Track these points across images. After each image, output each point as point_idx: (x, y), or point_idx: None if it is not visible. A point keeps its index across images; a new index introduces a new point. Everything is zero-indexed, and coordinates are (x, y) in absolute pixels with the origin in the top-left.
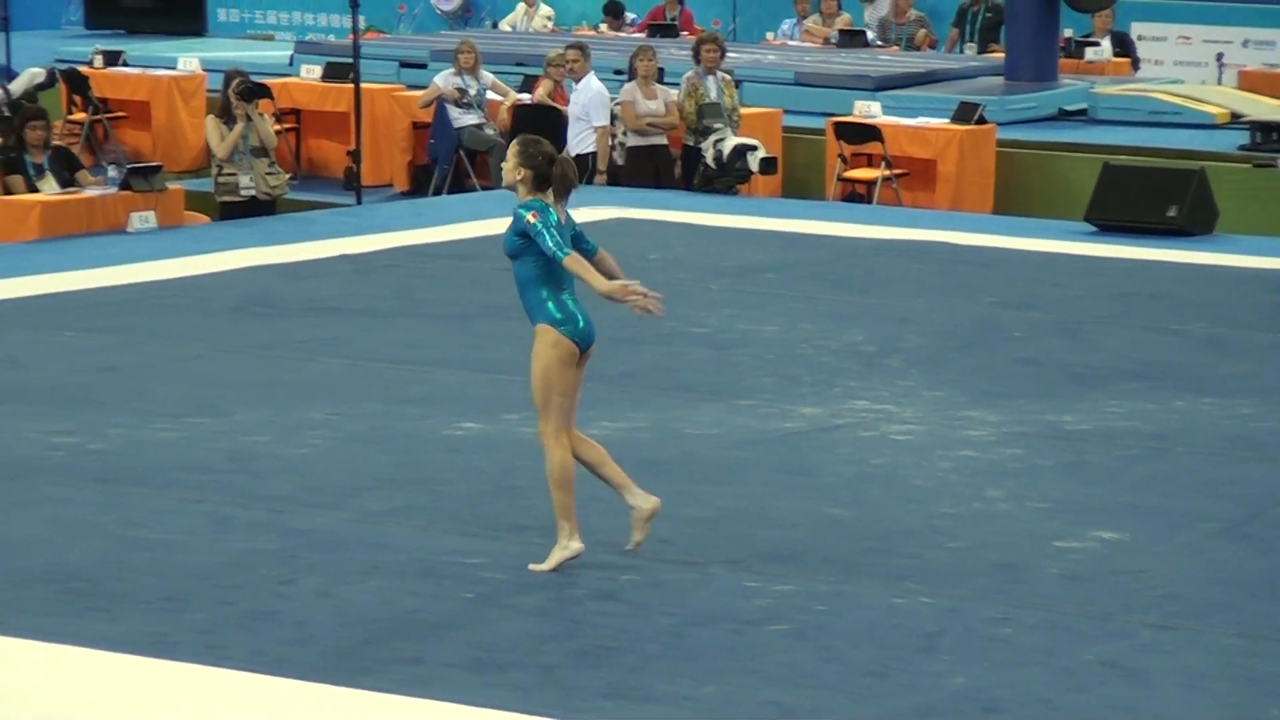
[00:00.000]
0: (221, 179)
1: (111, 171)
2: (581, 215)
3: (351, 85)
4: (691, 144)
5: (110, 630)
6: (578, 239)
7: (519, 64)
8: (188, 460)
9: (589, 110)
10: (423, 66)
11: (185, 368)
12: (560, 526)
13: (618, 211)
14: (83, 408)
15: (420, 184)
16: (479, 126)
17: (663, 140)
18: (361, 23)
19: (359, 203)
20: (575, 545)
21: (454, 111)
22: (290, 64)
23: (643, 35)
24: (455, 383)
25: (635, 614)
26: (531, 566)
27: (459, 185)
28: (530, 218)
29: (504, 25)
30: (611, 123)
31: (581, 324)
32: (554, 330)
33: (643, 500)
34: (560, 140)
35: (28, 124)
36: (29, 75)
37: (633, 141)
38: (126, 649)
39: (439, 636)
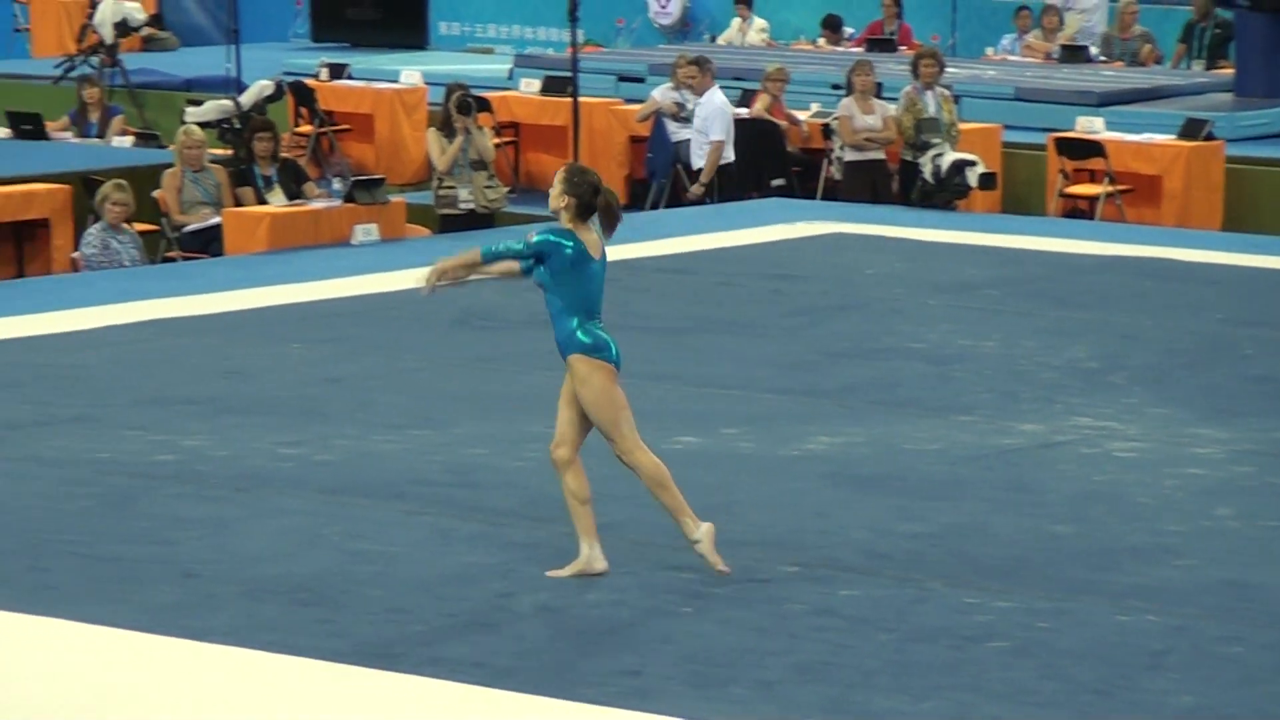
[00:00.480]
0: (441, 192)
1: (336, 184)
2: (797, 230)
3: (570, 99)
4: (909, 159)
5: (335, 641)
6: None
7: (736, 78)
8: (409, 472)
9: (709, 124)
10: (640, 80)
11: (407, 380)
12: (682, 523)
13: (834, 226)
14: (309, 419)
15: (637, 198)
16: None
17: (880, 155)
18: (580, 37)
19: None
20: (702, 528)
21: (672, 126)
22: (509, 77)
23: (860, 50)
24: (672, 397)
25: (854, 629)
26: (720, 570)
27: (675, 199)
28: (530, 235)
29: (721, 40)
30: (828, 137)
31: (614, 350)
32: (593, 358)
33: (596, 559)
34: (778, 155)
35: (256, 136)
36: (258, 88)
37: (850, 156)
38: (351, 660)
39: (657, 650)
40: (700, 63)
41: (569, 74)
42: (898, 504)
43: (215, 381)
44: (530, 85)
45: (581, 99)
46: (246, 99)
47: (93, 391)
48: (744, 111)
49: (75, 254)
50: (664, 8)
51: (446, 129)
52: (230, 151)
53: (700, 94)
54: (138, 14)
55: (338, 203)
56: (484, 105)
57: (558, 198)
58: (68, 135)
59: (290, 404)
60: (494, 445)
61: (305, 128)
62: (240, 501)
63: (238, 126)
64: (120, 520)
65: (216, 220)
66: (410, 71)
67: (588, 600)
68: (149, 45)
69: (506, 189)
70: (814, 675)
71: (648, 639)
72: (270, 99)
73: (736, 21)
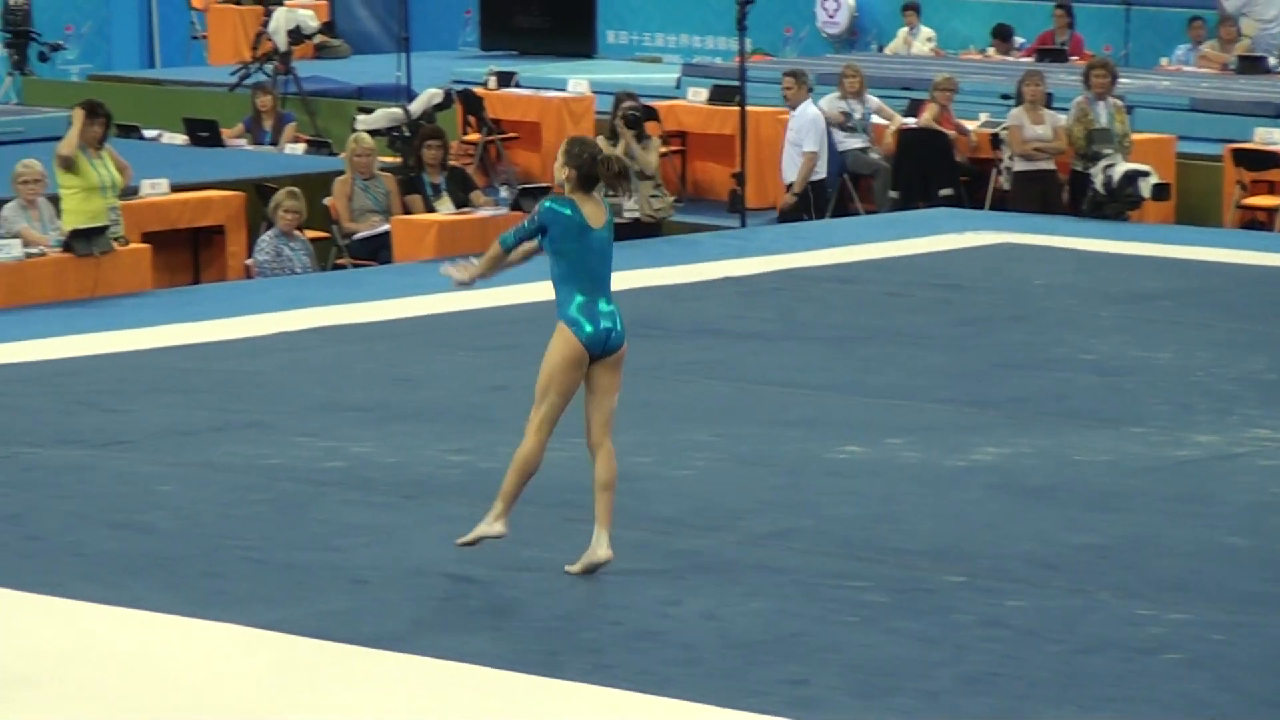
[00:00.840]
0: (608, 200)
1: (503, 192)
2: (966, 240)
3: (737, 108)
4: (1080, 169)
5: (502, 648)
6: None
7: (904, 88)
8: (574, 480)
9: (802, 136)
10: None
11: None
12: (495, 505)
13: (1004, 237)
14: (476, 426)
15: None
16: (863, 150)
17: (1050, 166)
18: (748, 45)
19: (743, 225)
20: (498, 528)
21: (838, 135)
22: (677, 86)
23: (1031, 60)
24: (839, 406)
25: (1022, 640)
26: (457, 542)
27: (842, 209)
28: (533, 209)
29: (888, 50)
30: (997, 147)
31: (590, 330)
32: (568, 329)
33: (601, 548)
34: (946, 165)
35: (425, 144)
36: (427, 96)
37: (1019, 166)
38: (517, 667)
39: (823, 659)
40: (796, 75)
41: (736, 83)
42: (1068, 515)
43: (384, 388)
44: (698, 94)
45: (749, 108)
46: (416, 107)
47: (265, 398)
48: (911, 121)
49: (249, 261)
50: (832, 17)
51: (613, 138)
52: (399, 159)
53: (795, 106)
54: (311, 21)
55: (505, 211)
56: (651, 114)
57: (559, 169)
58: (242, 142)
59: (457, 411)
60: (658, 453)
61: (473, 136)
62: (408, 508)
63: (407, 134)
64: (291, 526)
65: (385, 228)
66: (578, 80)
67: (753, 609)
68: (321, 53)
69: (672, 198)
70: (981, 686)
71: (814, 648)
72: (439, 107)
73: (903, 31)
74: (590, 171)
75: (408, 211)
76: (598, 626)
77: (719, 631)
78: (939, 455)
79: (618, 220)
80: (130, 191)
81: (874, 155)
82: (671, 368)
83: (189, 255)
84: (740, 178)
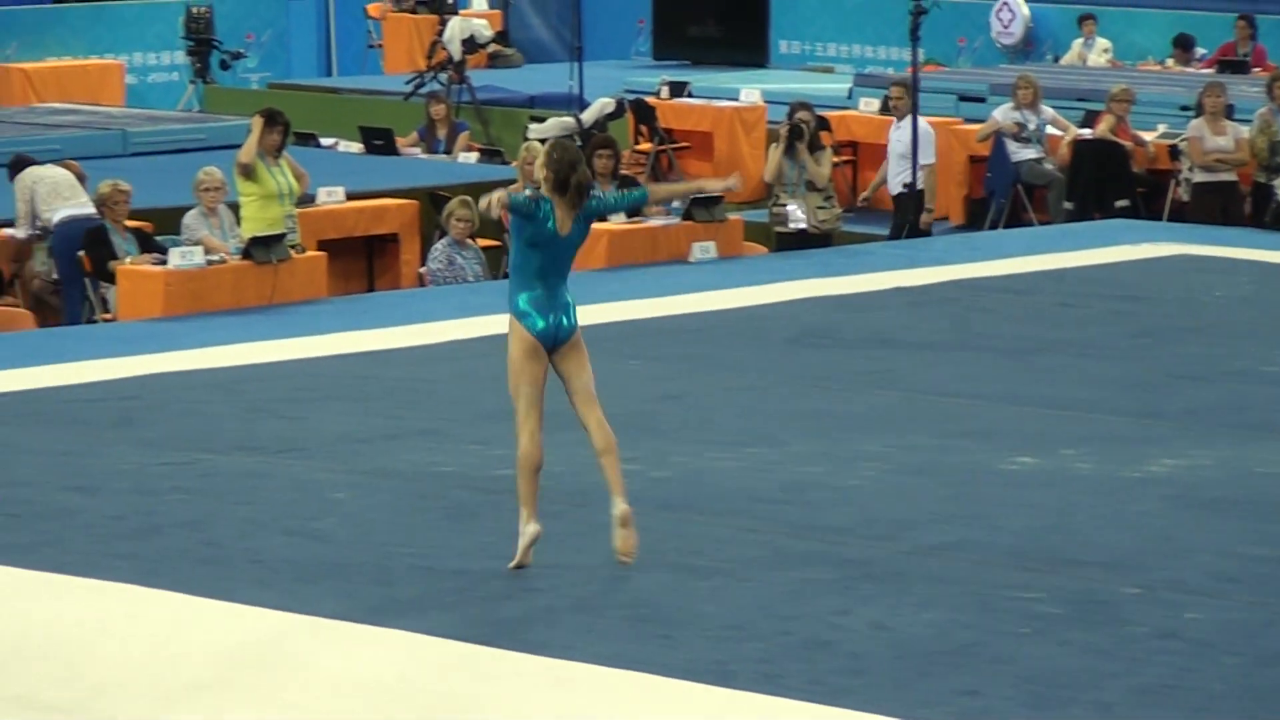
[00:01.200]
0: (774, 209)
1: (675, 202)
2: (1142, 251)
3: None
4: (1263, 181)
5: (671, 656)
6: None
7: (1080, 99)
8: (744, 489)
9: (911, 148)
10: (981, 100)
11: (742, 397)
12: (520, 512)
13: (1181, 248)
14: (646, 436)
15: (976, 218)
16: (1038, 161)
17: (1231, 177)
18: (921, 56)
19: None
20: (531, 529)
21: (1012, 146)
22: (849, 96)
23: (1210, 71)
24: (1011, 417)
25: (1198, 653)
26: (509, 567)
27: (1015, 220)
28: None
29: (1064, 60)
30: (1175, 158)
31: (540, 324)
32: (517, 322)
33: (618, 507)
34: (1123, 176)
35: (597, 153)
36: (599, 105)
37: (1199, 178)
38: (687, 676)
39: (996, 671)
40: (905, 84)
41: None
42: (1248, 527)
43: (553, 397)
44: (869, 104)
45: (922, 118)
46: (588, 116)
47: (438, 405)
48: (1087, 132)
49: (422, 269)
50: (1006, 27)
51: (789, 148)
52: None
53: (902, 117)
54: (485, 31)
55: (676, 220)
56: (823, 124)
57: (539, 169)
58: (416, 151)
59: (628, 420)
60: (829, 463)
61: (645, 145)
62: (578, 517)
63: (579, 143)
64: (463, 534)
65: None
66: (750, 90)
67: (924, 619)
68: (495, 62)
69: (841, 210)
70: (1156, 698)
71: (986, 659)
72: (611, 116)
73: (1078, 42)
74: (565, 178)
75: None
76: (767, 636)
77: (890, 642)
78: (1114, 466)
79: (784, 230)
80: (307, 199)
81: (1048, 166)
82: (842, 378)
83: (364, 263)
84: (911, 188)
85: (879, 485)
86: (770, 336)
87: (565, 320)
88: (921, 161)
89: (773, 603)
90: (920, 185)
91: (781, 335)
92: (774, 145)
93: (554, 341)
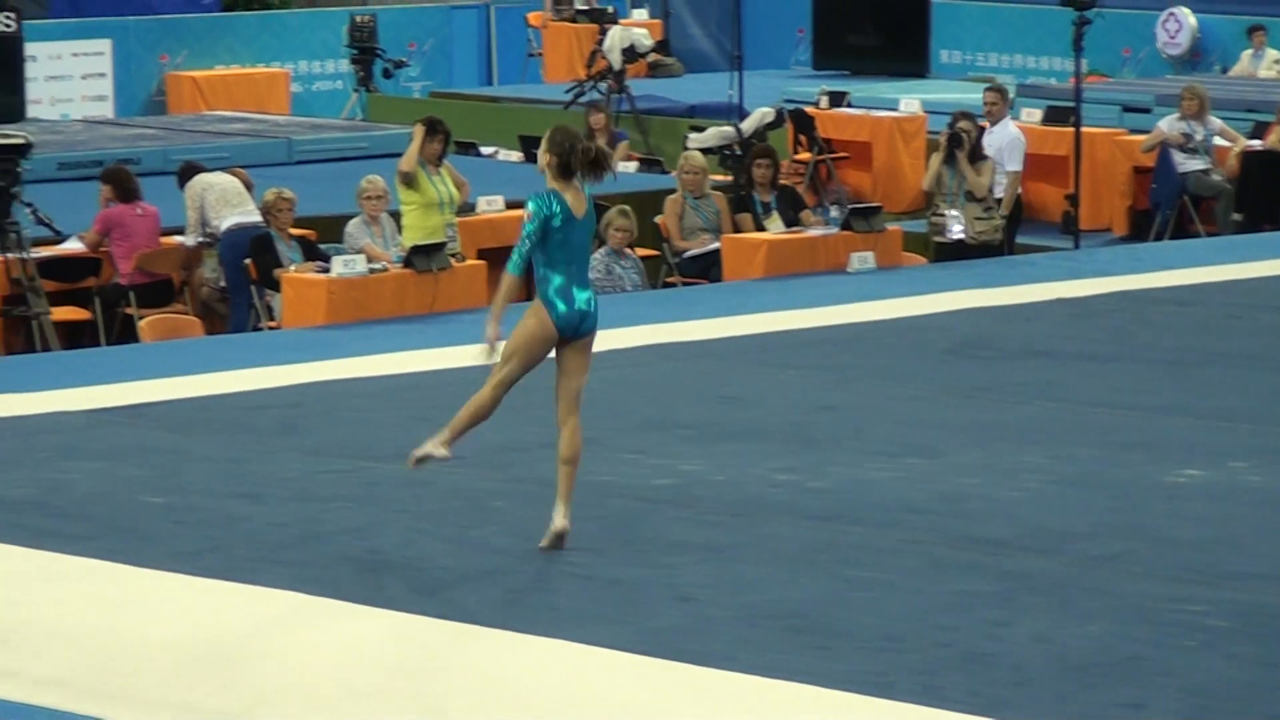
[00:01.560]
0: (933, 219)
1: (834, 211)
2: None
3: (1071, 129)
4: None
5: (830, 667)
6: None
7: (1249, 110)
8: (903, 500)
9: (1003, 154)
10: (1146, 111)
11: (901, 408)
12: (443, 431)
13: None
14: (803, 446)
15: (1140, 229)
16: (1205, 172)
17: None
18: (1084, 66)
19: (1076, 247)
20: (443, 451)
21: (1178, 157)
22: (1011, 107)
23: None
24: (1176, 429)
25: None
26: (408, 463)
27: (1181, 231)
28: (525, 216)
29: (1232, 72)
30: None
31: (564, 310)
32: (543, 308)
33: (559, 519)
34: None
35: (756, 162)
36: (759, 114)
37: None
38: (846, 687)
39: (1160, 684)
40: (1001, 90)
41: (1071, 104)
42: None
43: (712, 406)
44: (1031, 115)
45: (1084, 129)
46: (748, 126)
47: (596, 414)
48: (1256, 143)
49: None
50: (1173, 38)
51: (949, 157)
52: (730, 178)
53: (995, 123)
54: (645, 40)
55: (835, 230)
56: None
57: (541, 156)
58: None
59: (785, 430)
60: (988, 475)
61: (804, 155)
62: (736, 527)
63: (738, 153)
64: (621, 543)
65: (716, 246)
66: (909, 100)
67: (1087, 632)
68: (654, 71)
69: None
70: None
71: (1150, 672)
72: (771, 126)
73: (1247, 53)
74: (569, 160)
75: (738, 230)
76: (926, 648)
77: (1051, 654)
78: None
79: (943, 240)
80: (467, 208)
81: (1216, 177)
82: (1003, 389)
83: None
84: (1074, 199)
85: (1040, 497)
86: (929, 347)
87: (591, 311)
88: (1008, 168)
89: (932, 614)
90: (1000, 193)
91: (940, 346)
92: (934, 154)
93: (574, 333)
